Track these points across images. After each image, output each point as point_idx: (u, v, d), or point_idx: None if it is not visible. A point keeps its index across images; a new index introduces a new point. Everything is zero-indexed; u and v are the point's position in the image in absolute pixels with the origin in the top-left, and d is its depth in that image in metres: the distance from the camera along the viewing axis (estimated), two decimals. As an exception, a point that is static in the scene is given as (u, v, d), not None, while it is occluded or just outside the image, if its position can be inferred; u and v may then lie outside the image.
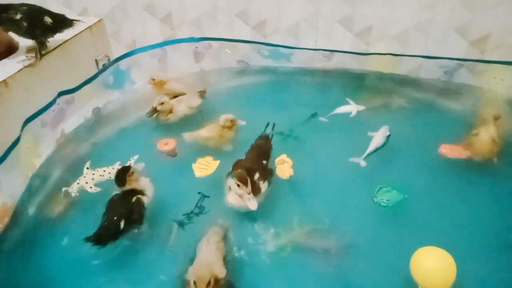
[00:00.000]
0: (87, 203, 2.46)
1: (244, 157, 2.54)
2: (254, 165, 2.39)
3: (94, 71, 3.35)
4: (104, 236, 2.04)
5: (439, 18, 3.42)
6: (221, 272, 1.83)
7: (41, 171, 2.74)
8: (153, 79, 3.44)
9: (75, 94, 3.08)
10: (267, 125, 2.75)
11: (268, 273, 2.06)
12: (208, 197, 2.46)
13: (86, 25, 3.30)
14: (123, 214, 2.09)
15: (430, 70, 3.62)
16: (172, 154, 2.89)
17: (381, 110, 3.32)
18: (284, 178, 2.62)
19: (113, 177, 2.32)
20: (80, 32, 3.22)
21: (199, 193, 2.50)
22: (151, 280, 2.05)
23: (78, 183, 2.40)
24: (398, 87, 3.64)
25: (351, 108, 3.19)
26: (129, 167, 2.28)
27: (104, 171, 2.50)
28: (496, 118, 2.84)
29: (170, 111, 3.11)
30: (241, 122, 2.94)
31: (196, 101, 3.23)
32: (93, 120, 3.29)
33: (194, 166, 2.73)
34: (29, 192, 2.57)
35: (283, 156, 2.76)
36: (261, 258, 2.12)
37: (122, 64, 3.55)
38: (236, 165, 2.42)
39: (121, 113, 3.40)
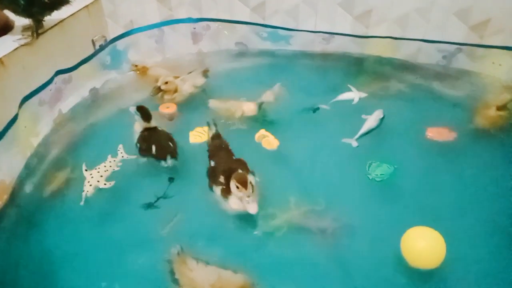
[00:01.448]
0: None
1: (213, 163, 2.41)
2: (233, 164, 2.32)
3: (91, 51, 3.32)
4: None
5: (440, 1, 3.39)
6: None
7: (39, 150, 2.75)
8: (136, 65, 3.41)
9: (73, 74, 3.07)
10: (208, 124, 2.62)
11: (265, 253, 2.09)
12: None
13: (83, 4, 3.26)
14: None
15: (429, 54, 3.61)
16: (170, 118, 3.02)
17: (380, 94, 3.31)
18: (273, 149, 2.70)
19: (116, 168, 2.47)
20: (77, 11, 3.18)
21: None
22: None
23: (91, 185, 2.33)
24: (397, 72, 3.64)
25: (353, 95, 3.18)
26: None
27: (105, 166, 2.46)
28: (499, 108, 2.87)
29: (175, 91, 3.14)
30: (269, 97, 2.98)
31: (200, 80, 3.26)
32: (90, 100, 3.28)
33: (190, 133, 2.87)
34: (28, 171, 2.58)
35: (262, 131, 2.82)
36: (258, 238, 2.15)
37: (119, 44, 3.52)
38: (214, 172, 2.31)
39: (119, 94, 3.39)
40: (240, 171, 2.20)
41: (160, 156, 2.53)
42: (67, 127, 2.99)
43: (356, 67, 3.73)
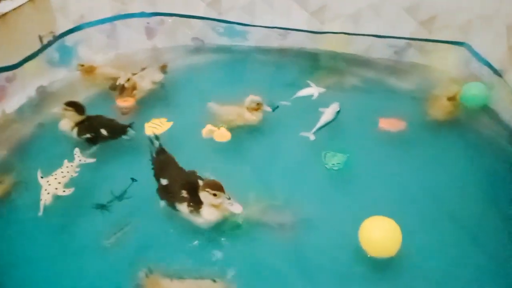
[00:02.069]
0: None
1: (165, 182, 2.23)
2: (189, 176, 2.22)
3: (37, 47, 3.14)
4: None
5: (391, -3, 3.50)
6: None
7: (-20, 153, 2.58)
8: (82, 65, 3.24)
9: (17, 71, 2.90)
10: (151, 140, 2.35)
11: (225, 249, 2.08)
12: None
13: (27, -2, 3.07)
14: None
15: (381, 49, 3.72)
16: (127, 112, 2.97)
17: (335, 89, 3.37)
18: (226, 140, 2.73)
19: (74, 175, 2.36)
20: (22, 5, 2.99)
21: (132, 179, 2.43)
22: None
23: (48, 193, 2.21)
24: (351, 66, 3.73)
25: (313, 90, 3.21)
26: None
27: (62, 172, 2.34)
28: (450, 99, 3.00)
29: (134, 88, 3.06)
30: (267, 108, 2.88)
31: (159, 76, 3.20)
32: (38, 99, 3.11)
33: (146, 124, 2.81)
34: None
35: (209, 126, 2.81)
36: (219, 235, 2.14)
37: (68, 40, 3.37)
38: (170, 190, 2.18)
39: (70, 92, 3.22)
40: (200, 181, 2.14)
41: (116, 133, 2.59)
42: (12, 128, 2.82)
43: (312, 63, 3.79)
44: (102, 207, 2.28)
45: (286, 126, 2.95)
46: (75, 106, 2.61)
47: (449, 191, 2.45)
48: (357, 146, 2.73)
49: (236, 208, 2.05)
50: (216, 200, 2.03)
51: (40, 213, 2.12)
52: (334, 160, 2.53)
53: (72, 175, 2.35)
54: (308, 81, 3.27)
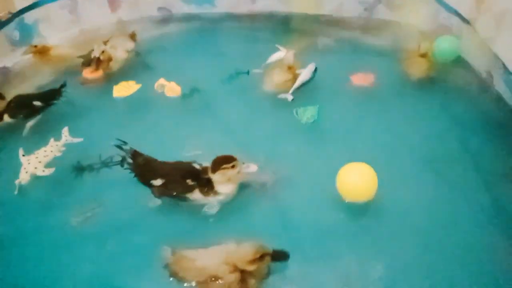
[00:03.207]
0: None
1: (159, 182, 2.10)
2: (180, 165, 2.14)
3: (-6, 27, 2.99)
4: None
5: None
6: None
7: None
8: (35, 46, 3.06)
9: (-26, 53, 2.75)
10: (119, 146, 2.15)
11: (218, 215, 2.08)
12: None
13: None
14: None
15: (351, 8, 3.70)
16: (94, 83, 2.95)
17: (309, 51, 3.34)
18: (177, 95, 2.79)
19: (58, 154, 2.28)
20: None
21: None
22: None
23: (26, 172, 2.16)
24: (323, 28, 3.70)
25: (282, 54, 3.14)
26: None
27: (45, 151, 2.27)
28: (423, 56, 3.01)
29: (110, 59, 2.99)
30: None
31: (130, 45, 3.13)
32: (2, 80, 2.97)
33: (115, 87, 2.80)
34: None
35: (161, 80, 2.84)
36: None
37: (28, 17, 3.20)
38: (172, 186, 2.08)
39: (35, 71, 3.10)
40: (196, 164, 2.09)
41: (51, 99, 2.64)
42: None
43: (284, 26, 3.73)
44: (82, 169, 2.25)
45: (259, 91, 2.91)
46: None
47: (423, 140, 2.51)
48: (331, 101, 2.77)
49: (252, 168, 2.08)
50: (234, 171, 2.02)
51: (16, 192, 2.09)
52: (307, 113, 2.56)
53: (56, 155, 2.28)
54: (277, 45, 3.21)
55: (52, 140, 2.35)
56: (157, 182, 2.07)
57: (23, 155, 2.23)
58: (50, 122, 2.64)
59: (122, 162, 2.14)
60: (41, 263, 1.91)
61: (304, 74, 2.81)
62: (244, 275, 1.71)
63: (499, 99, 2.78)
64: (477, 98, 2.89)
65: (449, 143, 2.50)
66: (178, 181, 2.06)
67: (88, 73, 2.93)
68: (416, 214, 2.08)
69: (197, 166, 2.10)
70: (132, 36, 3.20)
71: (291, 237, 1.96)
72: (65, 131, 2.43)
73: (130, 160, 2.12)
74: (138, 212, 2.11)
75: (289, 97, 2.74)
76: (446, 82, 3.01)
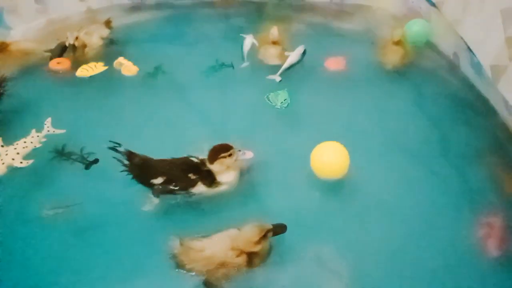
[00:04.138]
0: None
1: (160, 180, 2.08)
2: (178, 161, 2.12)
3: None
4: None
5: None
6: None
7: None
8: None
9: None
10: (114, 148, 2.08)
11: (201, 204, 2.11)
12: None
13: None
14: None
15: (324, -8, 3.72)
16: (63, 74, 2.91)
17: (282, 36, 3.35)
18: (132, 74, 2.86)
19: (37, 145, 2.24)
20: None
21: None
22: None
23: (3, 163, 2.12)
24: (296, 13, 3.72)
25: (250, 39, 3.12)
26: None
27: (25, 142, 2.24)
28: (397, 43, 3.04)
29: (85, 46, 2.99)
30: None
31: (105, 32, 3.15)
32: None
33: (80, 67, 2.84)
34: None
35: (120, 59, 2.92)
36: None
37: (-8, 7, 3.09)
38: (174, 182, 2.06)
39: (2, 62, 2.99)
40: (194, 158, 2.09)
41: None
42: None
43: (258, 13, 3.73)
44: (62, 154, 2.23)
45: (233, 79, 2.95)
46: None
47: (394, 121, 2.60)
48: (306, 85, 2.83)
49: (249, 155, 2.12)
50: (231, 160, 2.03)
51: None
52: (280, 98, 2.62)
53: (35, 146, 2.25)
54: (241, 35, 3.15)
55: (33, 131, 2.32)
56: (158, 180, 2.04)
57: (2, 146, 2.20)
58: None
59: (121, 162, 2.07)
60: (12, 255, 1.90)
61: (293, 56, 2.87)
62: (250, 256, 1.77)
63: (465, 80, 2.88)
64: (445, 79, 2.99)
65: (419, 123, 2.60)
66: (180, 177, 2.05)
67: (54, 64, 2.90)
68: (386, 191, 2.17)
69: (194, 160, 2.10)
70: (108, 23, 3.19)
71: (271, 219, 1.99)
72: (48, 121, 2.39)
73: (126, 162, 2.06)
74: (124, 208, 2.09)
75: (277, 78, 2.81)
76: (415, 64, 3.08)
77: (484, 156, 2.39)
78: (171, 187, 2.05)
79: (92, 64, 2.84)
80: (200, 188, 2.06)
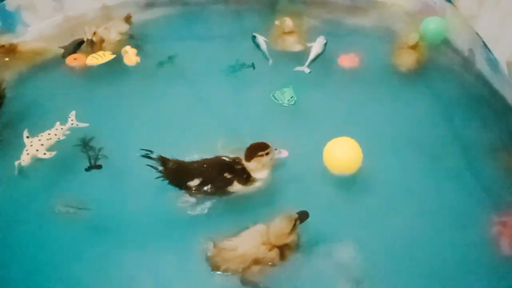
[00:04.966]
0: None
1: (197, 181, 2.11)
2: (211, 161, 2.14)
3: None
4: None
5: None
6: None
7: None
8: (2, 45, 2.97)
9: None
10: (147, 155, 2.10)
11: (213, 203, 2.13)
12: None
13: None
14: None
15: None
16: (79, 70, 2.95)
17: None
18: (132, 64, 2.91)
19: (61, 137, 2.30)
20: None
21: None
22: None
23: (28, 154, 2.19)
24: (310, 9, 3.69)
25: (262, 38, 3.14)
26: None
27: (49, 134, 2.30)
28: (413, 47, 3.00)
29: (102, 41, 3.03)
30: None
31: (124, 27, 3.19)
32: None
33: (89, 56, 2.90)
34: None
35: (127, 48, 2.96)
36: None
37: (9, 4, 3.15)
38: (210, 182, 2.09)
39: (26, 57, 3.05)
40: (225, 157, 2.12)
41: None
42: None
43: (270, 9, 3.71)
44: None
45: (244, 76, 2.96)
46: None
47: (408, 116, 2.60)
48: (319, 82, 2.82)
49: (284, 153, 2.16)
50: (268, 158, 2.06)
51: (16, 172, 2.14)
52: (286, 95, 2.59)
53: (59, 138, 2.31)
54: (253, 34, 3.16)
55: (58, 123, 2.38)
56: (194, 182, 2.07)
57: (27, 137, 2.27)
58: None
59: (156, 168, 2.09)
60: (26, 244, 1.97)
61: (316, 47, 2.90)
62: (282, 249, 1.80)
63: (480, 76, 2.85)
64: (460, 75, 2.96)
65: (432, 119, 2.59)
66: (216, 177, 2.08)
67: (71, 60, 2.94)
68: (399, 186, 2.17)
69: (226, 159, 2.13)
70: (127, 19, 3.24)
71: (282, 208, 2.01)
72: (72, 114, 2.45)
73: (160, 168, 2.08)
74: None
75: (306, 70, 2.82)
76: (430, 61, 3.05)
77: (500, 153, 2.37)
78: (208, 188, 2.07)
79: (100, 52, 2.91)
80: (236, 187, 2.09)
